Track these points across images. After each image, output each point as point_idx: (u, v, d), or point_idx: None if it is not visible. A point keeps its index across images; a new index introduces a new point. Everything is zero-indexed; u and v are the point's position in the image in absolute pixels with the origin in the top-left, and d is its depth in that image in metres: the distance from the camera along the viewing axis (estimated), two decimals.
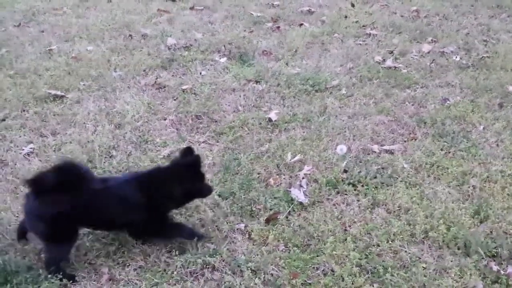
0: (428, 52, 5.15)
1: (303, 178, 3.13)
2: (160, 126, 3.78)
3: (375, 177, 3.15)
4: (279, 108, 4.05)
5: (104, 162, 3.30)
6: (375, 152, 3.47)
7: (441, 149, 3.45)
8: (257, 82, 4.55)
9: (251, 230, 2.71)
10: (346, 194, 3.02)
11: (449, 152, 3.42)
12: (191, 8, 6.65)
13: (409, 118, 3.90)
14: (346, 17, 6.24)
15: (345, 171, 3.24)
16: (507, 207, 2.84)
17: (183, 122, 3.84)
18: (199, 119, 3.90)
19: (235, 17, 6.33)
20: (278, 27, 5.89)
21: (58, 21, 6.15)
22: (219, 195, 2.99)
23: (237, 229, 2.73)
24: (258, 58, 5.04)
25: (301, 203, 2.91)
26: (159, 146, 3.53)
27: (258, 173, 3.23)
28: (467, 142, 3.51)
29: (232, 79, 4.58)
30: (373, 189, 3.04)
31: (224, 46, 5.29)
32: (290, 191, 2.98)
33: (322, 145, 3.53)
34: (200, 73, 4.71)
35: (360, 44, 5.41)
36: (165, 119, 3.87)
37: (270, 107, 4.11)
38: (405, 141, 3.62)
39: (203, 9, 6.63)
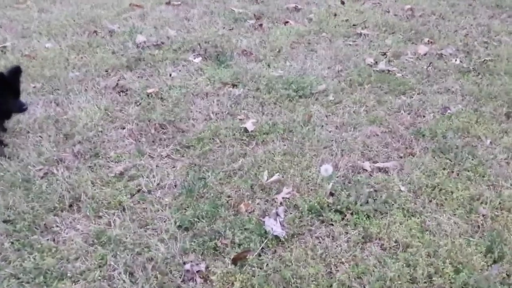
0: (425, 54, 4.67)
1: (280, 204, 2.61)
2: (117, 137, 3.23)
3: (367, 203, 2.63)
4: (257, 117, 3.53)
5: (41, 184, 2.74)
6: (366, 170, 2.96)
7: (444, 168, 2.95)
8: (234, 85, 4.02)
9: (213, 273, 2.18)
10: (332, 225, 2.51)
11: (453, 172, 2.92)
12: (168, 3, 6.10)
13: (405, 129, 3.40)
14: (335, 15, 5.74)
15: (331, 194, 2.72)
16: None
17: (144, 132, 3.29)
18: (163, 128, 3.36)
19: (214, 13, 5.79)
20: (261, 25, 5.36)
21: (19, 15, 5.55)
22: (178, 226, 2.45)
23: (196, 271, 2.20)
24: (237, 58, 4.51)
25: (277, 236, 2.39)
26: (111, 161, 2.98)
27: (228, 197, 2.70)
28: (472, 160, 3.02)
29: (206, 82, 4.05)
30: (364, 218, 2.53)
31: (200, 44, 4.75)
32: (264, 221, 2.45)
33: (305, 161, 3.01)
34: (170, 75, 4.17)
35: (350, 44, 4.91)
36: (123, 128, 3.32)
37: (247, 115, 3.58)
38: (401, 157, 3.11)
39: (181, 4, 6.08)
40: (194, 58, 4.50)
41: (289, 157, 3.07)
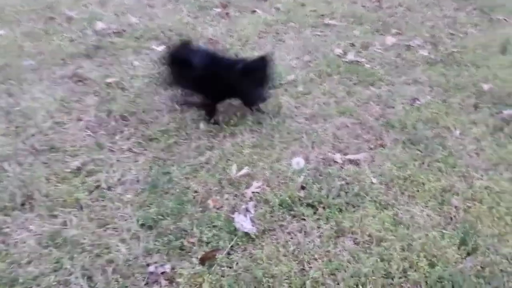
0: (392, 45, 4.63)
1: (250, 199, 2.49)
2: (74, 129, 3.02)
3: (339, 196, 2.55)
4: (224, 108, 3.38)
5: None
6: (337, 162, 2.88)
7: (414, 159, 2.90)
8: None
9: (180, 275, 2.04)
10: (303, 219, 2.41)
11: (424, 163, 2.87)
12: None
13: (375, 120, 3.34)
14: (303, 5, 5.64)
15: (303, 187, 2.62)
16: (497, 234, 2.32)
17: (104, 124, 3.10)
18: (124, 120, 3.17)
19: (179, 0, 5.58)
20: (227, 13, 5.20)
21: None
22: (141, 224, 2.30)
23: (161, 273, 2.05)
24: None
25: (247, 233, 2.27)
26: (68, 155, 2.78)
27: (195, 192, 2.56)
28: (443, 151, 2.98)
29: None
30: (337, 212, 2.44)
31: (163, 32, 4.55)
32: (234, 217, 2.33)
33: (275, 154, 2.90)
34: (132, 64, 3.96)
35: (318, 35, 4.82)
36: (80, 120, 3.11)
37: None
38: (371, 149, 3.05)
39: None
40: (158, 47, 4.30)
41: (258, 149, 2.95)
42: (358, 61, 4.23)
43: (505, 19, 5.30)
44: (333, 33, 4.88)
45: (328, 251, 2.21)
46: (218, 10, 5.30)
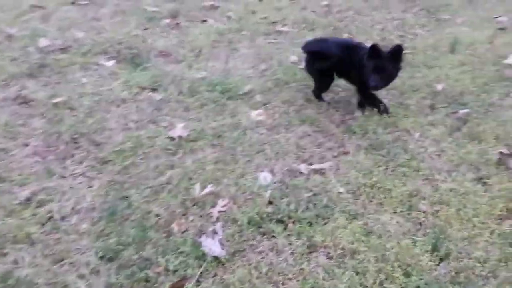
0: None
1: (217, 219, 2.37)
2: (20, 156, 2.80)
3: (308, 209, 2.49)
4: (182, 123, 3.25)
5: None
6: (303, 173, 2.82)
7: (379, 165, 2.89)
8: (153, 90, 3.71)
9: None
10: (274, 237, 2.32)
11: (388, 168, 2.86)
12: (73, 3, 5.57)
13: (336, 127, 3.31)
14: (253, 12, 5.58)
15: (270, 202, 2.54)
16: (467, 237, 2.32)
17: (53, 148, 2.89)
18: (75, 142, 2.98)
19: (126, 12, 5.38)
20: (178, 24, 5.06)
21: None
22: (101, 257, 2.13)
23: None
24: (155, 60, 4.20)
25: (216, 257, 2.15)
26: (15, 185, 2.57)
27: (157, 216, 2.41)
28: (405, 154, 2.99)
29: (122, 87, 3.69)
30: (307, 226, 2.37)
31: (112, 46, 4.35)
32: (201, 241, 2.20)
33: (239, 168, 2.81)
34: (80, 81, 3.75)
35: (271, 42, 4.78)
36: (27, 145, 2.89)
37: (171, 121, 3.29)
38: (335, 157, 3.01)
39: (88, 3, 5.58)
40: (107, 62, 4.10)
41: (221, 165, 2.84)
42: None
43: (451, 18, 5.46)
44: (286, 40, 4.84)
45: (302, 269, 2.13)
46: (167, 20, 5.15)
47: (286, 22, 5.32)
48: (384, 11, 5.78)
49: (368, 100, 3.48)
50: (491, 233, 2.35)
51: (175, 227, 2.31)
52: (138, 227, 2.29)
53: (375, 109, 3.45)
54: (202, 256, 2.15)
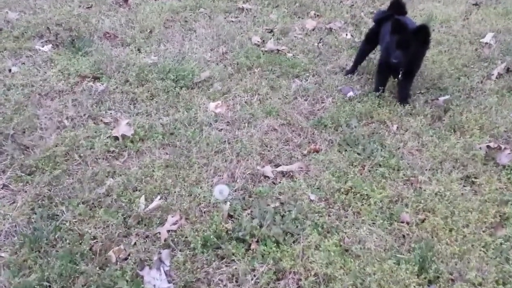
0: (313, 29, 4.25)
1: (164, 242, 1.96)
2: None
3: (274, 223, 2.11)
4: (129, 118, 2.80)
5: None
6: (268, 177, 2.44)
7: (354, 165, 2.54)
8: (95, 79, 3.22)
9: None
10: (234, 261, 1.94)
11: (364, 168, 2.52)
12: None
13: (305, 119, 2.94)
14: None
15: (230, 216, 2.15)
16: (458, 252, 2.01)
17: None
18: None
19: None
20: (126, 1, 4.51)
21: None
22: None
23: None
24: (99, 43, 3.68)
25: None
26: None
27: (92, 240, 1.99)
28: (382, 151, 2.64)
29: (58, 77, 3.19)
30: (273, 246, 2.00)
31: (49, 28, 3.80)
32: (143, 276, 1.80)
33: (193, 174, 2.40)
34: (10, 70, 3.22)
35: (232, 21, 4.32)
36: None
37: (115, 116, 2.84)
38: (304, 155, 2.64)
39: None
40: (43, 46, 3.57)
41: (172, 170, 2.42)
42: (279, 50, 3.79)
43: None
44: (248, 18, 4.39)
45: None
46: None
47: None
48: None
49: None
50: (485, 246, 2.05)
51: (112, 255, 1.89)
52: (66, 257, 1.86)
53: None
54: None
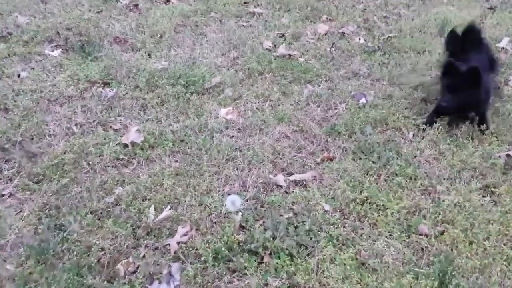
0: (326, 34, 4.18)
1: (174, 254, 1.91)
2: None
3: (288, 234, 2.04)
4: (138, 124, 2.75)
5: None
6: (281, 186, 2.37)
7: (369, 174, 2.46)
8: (105, 84, 3.18)
9: None
10: (246, 274, 1.88)
11: (380, 177, 2.44)
12: None
13: (318, 126, 2.87)
14: None
15: (242, 227, 2.09)
16: (479, 266, 1.93)
17: None
18: (5, 153, 2.45)
19: None
20: (137, 5, 4.48)
21: None
22: None
23: None
24: (109, 48, 3.64)
25: None
26: None
27: (100, 251, 1.93)
28: (398, 159, 2.57)
29: (67, 82, 3.15)
30: (287, 259, 1.93)
31: (59, 32, 3.77)
32: None
33: (204, 182, 2.34)
34: (19, 75, 3.19)
35: (243, 25, 4.26)
36: None
37: (124, 123, 2.79)
38: (318, 164, 2.57)
39: None
40: (52, 51, 3.54)
41: (182, 178, 2.37)
42: (291, 55, 3.73)
43: None
44: (259, 22, 4.33)
45: None
46: (126, 1, 4.56)
47: (260, 2, 4.79)
48: None
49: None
50: (506, 260, 1.96)
51: (120, 268, 1.83)
52: (73, 270, 1.81)
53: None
54: None
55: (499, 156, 2.56)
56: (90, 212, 2.12)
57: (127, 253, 1.93)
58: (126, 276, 1.82)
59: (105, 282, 1.79)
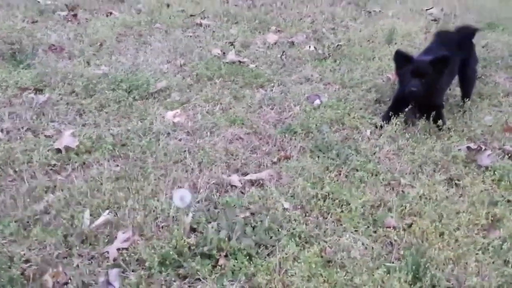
0: (275, 43, 4.09)
1: (114, 262, 1.63)
2: None
3: (245, 235, 1.82)
4: (73, 130, 2.47)
5: None
6: (235, 186, 2.16)
7: (329, 170, 2.30)
8: (37, 90, 2.88)
9: None
10: (199, 280, 1.63)
11: (340, 174, 2.29)
12: None
13: (272, 127, 2.71)
14: (168, 5, 4.86)
15: (193, 230, 1.85)
16: (453, 257, 1.78)
17: None
18: None
19: (12, 5, 4.44)
20: (75, 15, 4.23)
21: None
22: None
23: None
24: (43, 56, 3.35)
25: None
26: None
27: (25, 263, 1.62)
28: (357, 156, 2.43)
29: None
30: (245, 260, 1.70)
31: None
32: None
33: (149, 186, 2.08)
34: None
35: (190, 36, 4.09)
36: None
37: (58, 129, 2.50)
38: (274, 163, 2.39)
39: None
40: None
41: (124, 182, 2.10)
42: (241, 61, 3.58)
43: (381, 11, 5.12)
44: (207, 33, 4.18)
45: None
46: (64, 13, 4.29)
47: (207, 15, 4.67)
48: (311, 5, 5.31)
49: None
50: (480, 249, 1.83)
51: (49, 279, 1.53)
52: None
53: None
54: None
55: (460, 149, 2.48)
56: (15, 221, 1.80)
57: (57, 264, 1.63)
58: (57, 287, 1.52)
59: None
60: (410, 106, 2.75)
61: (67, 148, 2.29)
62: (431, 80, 2.63)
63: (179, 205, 1.85)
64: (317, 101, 3.01)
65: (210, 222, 1.88)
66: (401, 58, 2.72)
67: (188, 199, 1.88)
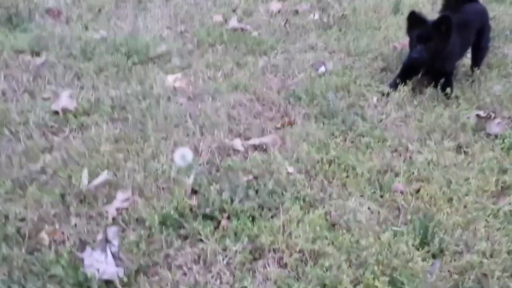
0: (279, 11, 3.96)
1: (113, 220, 1.58)
2: None
3: (248, 197, 1.77)
4: (71, 92, 2.39)
5: None
6: (238, 150, 2.10)
7: (334, 136, 2.24)
8: (34, 53, 2.79)
9: None
10: (201, 241, 1.58)
11: (346, 140, 2.22)
12: None
13: (276, 94, 2.63)
14: None
15: (195, 192, 1.79)
16: (461, 222, 1.72)
17: None
18: None
19: None
20: None
21: None
22: None
23: None
24: (40, 20, 3.26)
25: (109, 282, 1.36)
26: None
27: (20, 221, 1.57)
28: (363, 122, 2.36)
29: None
30: (248, 222, 1.65)
31: None
32: (83, 259, 1.40)
33: (149, 148, 2.02)
34: None
35: (191, 3, 3.97)
36: None
37: (55, 91, 2.42)
38: (278, 129, 2.32)
39: None
40: None
41: (123, 144, 2.04)
42: (243, 29, 3.47)
43: None
44: (207, 0, 4.06)
45: None
46: None
47: None
48: None
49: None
50: (490, 215, 1.78)
51: (44, 237, 1.48)
52: None
53: None
54: (85, 282, 1.35)
55: (469, 117, 2.41)
56: (10, 180, 1.74)
57: (53, 222, 1.58)
58: (52, 247, 1.47)
59: (27, 253, 1.43)
60: (420, 74, 2.67)
61: (65, 110, 2.22)
62: (436, 45, 2.53)
63: (181, 164, 1.79)
64: (322, 68, 2.93)
65: (212, 185, 1.82)
66: (414, 20, 2.60)
67: (190, 157, 1.82)
